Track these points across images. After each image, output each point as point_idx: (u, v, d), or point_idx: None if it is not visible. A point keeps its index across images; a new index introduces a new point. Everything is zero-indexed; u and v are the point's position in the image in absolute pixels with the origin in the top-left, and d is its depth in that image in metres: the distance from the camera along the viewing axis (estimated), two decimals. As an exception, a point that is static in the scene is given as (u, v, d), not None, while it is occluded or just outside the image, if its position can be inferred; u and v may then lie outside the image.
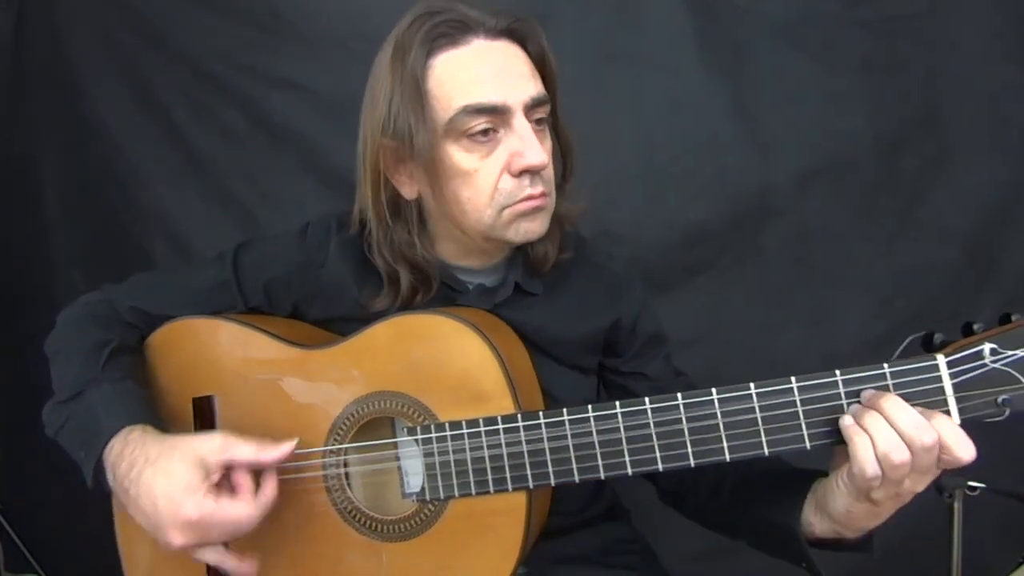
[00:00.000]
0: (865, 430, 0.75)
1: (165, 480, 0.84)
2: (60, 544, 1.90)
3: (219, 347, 1.02)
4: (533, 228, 0.96)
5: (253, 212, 1.84)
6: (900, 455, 0.73)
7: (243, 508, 0.85)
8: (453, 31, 0.91)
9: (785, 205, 1.71)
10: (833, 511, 0.82)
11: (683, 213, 1.73)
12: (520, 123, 0.91)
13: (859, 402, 0.77)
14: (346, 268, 1.05)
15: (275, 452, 0.88)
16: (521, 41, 0.95)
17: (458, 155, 0.93)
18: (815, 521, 0.85)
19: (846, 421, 0.76)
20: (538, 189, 0.94)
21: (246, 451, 0.87)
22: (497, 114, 0.91)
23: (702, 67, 1.71)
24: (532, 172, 0.93)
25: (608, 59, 1.72)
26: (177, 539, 0.83)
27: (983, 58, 1.63)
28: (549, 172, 0.97)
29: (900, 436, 0.73)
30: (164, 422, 0.94)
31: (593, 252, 1.14)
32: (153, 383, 1.02)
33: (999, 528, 1.56)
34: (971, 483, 1.19)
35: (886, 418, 0.74)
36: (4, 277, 1.93)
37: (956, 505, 1.23)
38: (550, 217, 0.99)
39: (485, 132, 0.91)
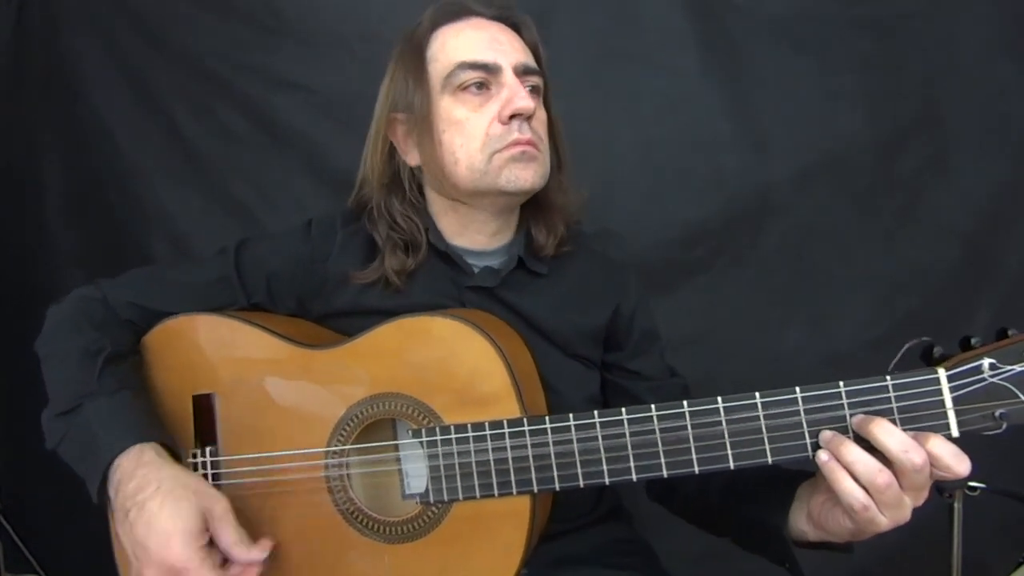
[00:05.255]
0: (840, 462, 0.75)
1: (169, 517, 0.82)
2: (60, 544, 1.90)
3: (220, 344, 1.00)
4: (524, 176, 0.98)
5: (253, 212, 1.84)
6: (882, 478, 0.74)
7: None
8: (455, 11, 1.04)
9: (784, 204, 1.71)
10: (833, 530, 0.83)
11: (681, 212, 1.73)
12: (510, 78, 0.99)
13: (862, 413, 0.77)
14: (351, 259, 1.06)
15: (248, 554, 0.85)
16: (516, 28, 1.05)
17: (453, 107, 0.99)
18: (808, 530, 0.86)
19: (822, 457, 0.77)
20: (526, 135, 0.98)
21: (228, 536, 0.85)
22: (489, 71, 0.99)
23: (701, 66, 1.71)
24: (520, 117, 0.98)
25: (607, 59, 1.72)
26: None
27: (982, 57, 1.64)
28: (540, 128, 1.02)
29: (890, 456, 0.74)
30: (164, 426, 0.94)
31: (593, 242, 1.17)
32: (152, 381, 1.00)
33: (999, 528, 1.56)
34: (971, 483, 1.19)
35: (877, 442, 0.74)
36: (4, 277, 1.93)
37: (956, 505, 1.24)
38: (543, 174, 1.01)
39: (479, 87, 0.99)
